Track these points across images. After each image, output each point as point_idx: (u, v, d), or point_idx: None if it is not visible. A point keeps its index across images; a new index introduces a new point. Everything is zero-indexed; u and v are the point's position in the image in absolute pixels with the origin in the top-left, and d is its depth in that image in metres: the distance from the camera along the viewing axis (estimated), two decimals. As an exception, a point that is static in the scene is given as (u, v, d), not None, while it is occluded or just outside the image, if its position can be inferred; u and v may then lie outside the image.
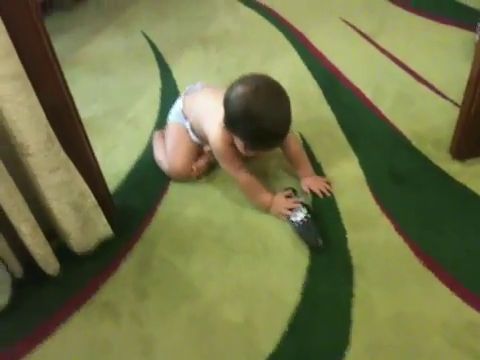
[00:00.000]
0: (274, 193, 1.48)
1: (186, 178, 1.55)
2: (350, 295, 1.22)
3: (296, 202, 1.43)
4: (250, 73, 1.38)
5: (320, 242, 1.34)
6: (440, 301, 1.20)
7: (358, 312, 1.19)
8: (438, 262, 1.28)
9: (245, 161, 1.48)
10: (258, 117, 1.28)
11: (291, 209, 1.41)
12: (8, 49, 0.94)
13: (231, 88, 1.34)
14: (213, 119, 1.41)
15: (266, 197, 1.46)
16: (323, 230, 1.37)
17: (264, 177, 1.54)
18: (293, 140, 1.51)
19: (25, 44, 1.00)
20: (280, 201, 1.45)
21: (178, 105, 1.61)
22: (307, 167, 1.53)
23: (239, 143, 1.38)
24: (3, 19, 0.92)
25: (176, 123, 1.60)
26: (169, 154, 1.56)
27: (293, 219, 1.40)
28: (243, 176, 1.46)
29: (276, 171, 1.58)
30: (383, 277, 1.26)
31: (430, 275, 1.25)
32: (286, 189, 1.49)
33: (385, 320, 1.17)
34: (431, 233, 1.35)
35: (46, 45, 1.06)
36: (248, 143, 1.36)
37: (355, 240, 1.35)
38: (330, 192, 1.48)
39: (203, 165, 1.57)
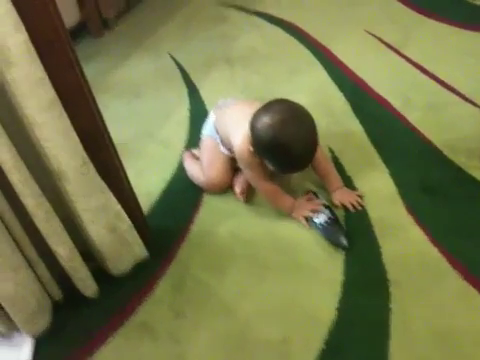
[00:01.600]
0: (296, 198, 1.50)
1: (223, 190, 1.58)
2: (387, 310, 1.21)
3: (317, 204, 1.45)
4: (274, 99, 1.41)
5: (345, 241, 1.36)
6: (481, 315, 1.17)
7: (396, 327, 1.17)
8: (477, 273, 1.25)
9: (271, 175, 1.50)
10: (286, 147, 1.32)
11: (313, 211, 1.43)
12: (41, 78, 0.97)
13: (257, 116, 1.37)
14: (240, 131, 1.44)
15: (288, 201, 1.49)
16: (356, 244, 1.37)
17: (290, 189, 1.55)
18: (320, 154, 1.51)
19: (58, 73, 1.03)
20: (301, 204, 1.47)
21: (210, 119, 1.65)
22: (336, 180, 1.53)
23: (268, 165, 1.40)
24: (36, 49, 0.96)
25: (209, 137, 1.63)
26: (205, 168, 1.59)
27: (316, 221, 1.42)
28: (265, 184, 1.49)
29: (302, 182, 1.58)
30: (420, 291, 1.24)
31: (469, 288, 1.23)
32: (306, 192, 1.50)
33: (425, 335, 1.15)
34: (467, 244, 1.33)
35: (78, 73, 1.10)
36: (277, 169, 1.40)
37: (389, 253, 1.33)
38: (361, 205, 1.47)
39: (245, 187, 1.56)
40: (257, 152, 1.39)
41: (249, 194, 1.57)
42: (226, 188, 1.59)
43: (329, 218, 1.41)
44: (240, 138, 1.43)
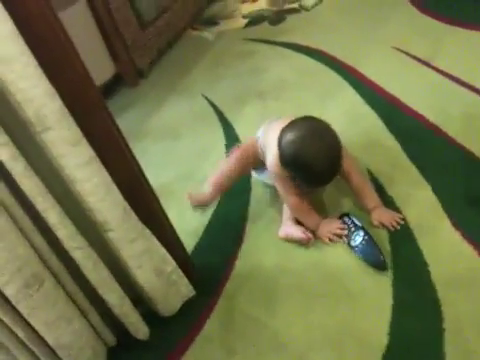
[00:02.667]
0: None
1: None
2: (441, 330, 1.18)
3: (343, 226, 1.46)
4: (300, 117, 1.47)
5: (382, 261, 1.35)
6: None
7: (452, 348, 1.14)
8: None
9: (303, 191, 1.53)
10: (307, 162, 1.39)
11: (345, 235, 1.45)
12: (77, 138, 1.03)
13: (282, 133, 1.46)
14: (273, 147, 1.50)
15: (314, 219, 1.52)
16: (403, 265, 1.34)
17: (323, 207, 1.58)
18: (355, 172, 1.52)
19: (93, 129, 1.09)
20: (327, 223, 1.49)
21: (264, 127, 1.72)
22: (373, 198, 1.51)
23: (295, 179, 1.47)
24: (69, 110, 1.02)
25: (256, 138, 1.70)
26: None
27: (353, 244, 1.42)
28: (293, 199, 1.52)
29: (337, 201, 1.59)
30: (474, 308, 1.20)
31: (525, 301, 1.18)
32: (340, 216, 1.51)
33: (483, 355, 1.11)
34: (520, 255, 1.28)
35: (112, 126, 1.16)
36: (302, 183, 1.46)
37: (438, 272, 1.30)
38: (401, 224, 1.45)
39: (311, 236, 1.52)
40: (284, 167, 1.45)
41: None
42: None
43: (364, 239, 1.41)
44: (273, 153, 1.50)
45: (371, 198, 1.51)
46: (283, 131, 1.46)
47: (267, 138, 1.61)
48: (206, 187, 1.66)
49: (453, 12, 2.28)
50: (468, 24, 2.17)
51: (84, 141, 1.06)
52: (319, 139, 1.40)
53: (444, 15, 2.29)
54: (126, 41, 2.45)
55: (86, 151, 1.06)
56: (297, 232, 1.50)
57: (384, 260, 1.36)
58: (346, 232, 1.46)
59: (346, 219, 1.50)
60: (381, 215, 1.47)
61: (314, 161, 1.38)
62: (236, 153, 1.69)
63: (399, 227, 1.44)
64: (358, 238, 1.42)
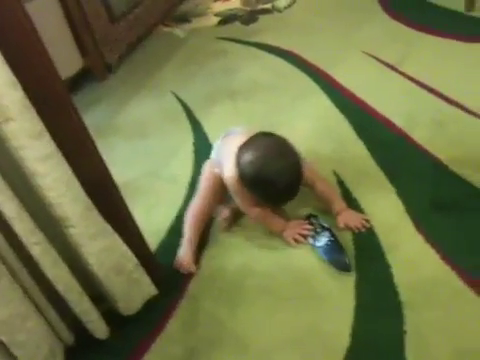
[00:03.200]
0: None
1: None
2: (402, 333, 1.18)
3: (308, 227, 1.47)
4: (257, 134, 1.48)
5: (347, 263, 1.36)
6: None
7: (412, 350, 1.15)
8: (492, 290, 1.22)
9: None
10: (269, 184, 1.40)
11: (312, 236, 1.45)
12: (39, 130, 1.00)
13: (240, 152, 1.45)
14: (230, 161, 1.49)
15: (279, 223, 1.51)
16: (367, 267, 1.35)
17: (285, 215, 1.56)
18: (319, 180, 1.54)
19: (56, 124, 1.06)
20: (293, 225, 1.49)
21: (216, 145, 1.70)
22: (338, 202, 1.52)
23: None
24: (32, 102, 0.99)
25: (210, 162, 1.68)
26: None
27: (318, 245, 1.43)
28: (254, 210, 1.52)
29: (298, 208, 1.58)
30: (435, 311, 1.22)
31: (485, 304, 1.20)
32: (306, 217, 1.51)
33: (443, 357, 1.12)
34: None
35: (76, 121, 1.13)
36: (263, 202, 1.46)
37: (401, 275, 1.31)
38: (367, 227, 1.46)
39: (229, 215, 1.59)
40: (244, 186, 1.45)
41: (233, 222, 1.59)
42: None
43: (329, 240, 1.41)
44: (229, 168, 1.49)
45: (337, 202, 1.52)
46: (241, 150, 1.45)
47: (222, 153, 1.59)
48: (182, 241, 1.56)
49: (423, 19, 2.32)
50: (437, 31, 2.21)
51: (46, 134, 1.03)
52: (279, 158, 1.41)
53: (414, 22, 2.32)
54: (95, 35, 2.40)
55: (47, 145, 1.03)
56: (223, 216, 1.57)
57: (348, 262, 1.36)
58: (312, 233, 1.46)
59: (312, 220, 1.50)
60: (347, 217, 1.48)
61: (275, 181, 1.39)
62: (200, 191, 1.63)
63: (364, 229, 1.45)
64: (323, 239, 1.43)
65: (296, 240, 1.47)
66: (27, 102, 0.98)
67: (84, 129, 1.15)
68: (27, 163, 1.02)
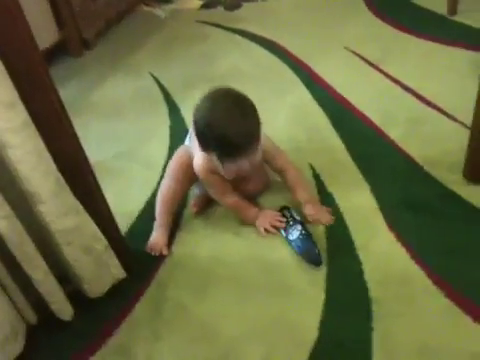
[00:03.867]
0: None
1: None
2: (370, 329, 1.19)
3: (280, 218, 1.46)
4: (213, 87, 1.40)
5: (317, 258, 1.36)
6: (466, 332, 1.16)
7: (379, 346, 1.16)
8: (460, 291, 1.24)
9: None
10: (215, 126, 1.31)
11: (284, 228, 1.45)
12: (14, 100, 0.96)
13: (195, 109, 1.38)
14: (199, 150, 1.43)
15: (252, 212, 1.50)
16: (338, 262, 1.36)
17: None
18: (290, 168, 1.52)
19: (31, 95, 1.02)
20: (266, 214, 1.49)
21: (191, 130, 1.62)
22: (307, 192, 1.51)
23: (216, 163, 1.39)
24: (8, 71, 0.95)
25: (183, 147, 1.62)
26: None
27: (290, 238, 1.42)
28: (227, 199, 1.50)
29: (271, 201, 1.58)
30: (403, 309, 1.23)
31: (452, 305, 1.22)
32: (280, 208, 1.51)
33: (407, 355, 1.14)
34: (450, 260, 1.32)
35: (53, 96, 1.08)
36: (218, 157, 1.37)
37: (371, 271, 1.32)
38: (338, 222, 1.46)
39: (200, 201, 1.58)
40: (199, 144, 1.38)
41: (203, 208, 1.58)
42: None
43: (301, 234, 1.41)
44: (199, 156, 1.45)
45: (305, 192, 1.51)
46: (196, 106, 1.39)
47: (193, 139, 1.50)
48: (155, 225, 1.53)
49: (406, 19, 2.33)
50: (419, 32, 2.22)
51: (20, 105, 0.99)
52: (231, 101, 1.35)
53: (397, 21, 2.33)
54: (74, 8, 2.33)
55: (21, 115, 0.99)
56: (192, 200, 1.57)
57: (319, 256, 1.36)
58: (284, 225, 1.46)
59: (285, 212, 1.50)
60: (312, 210, 1.47)
61: (227, 125, 1.31)
62: (169, 171, 1.57)
63: (332, 222, 1.46)
64: (295, 232, 1.42)
65: (267, 230, 1.47)
66: (2, 69, 0.93)
67: (60, 103, 1.11)
68: (-2, 133, 0.97)
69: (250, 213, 1.50)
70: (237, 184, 1.52)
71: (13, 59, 0.97)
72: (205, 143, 1.37)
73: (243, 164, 1.38)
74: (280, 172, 1.54)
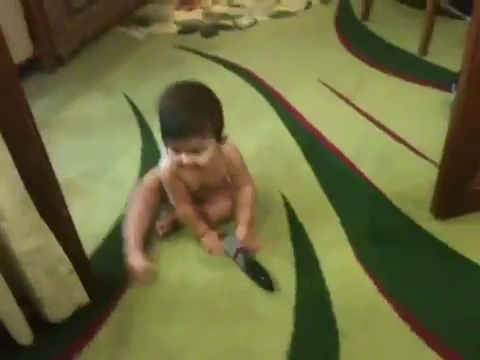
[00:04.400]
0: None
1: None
2: (336, 362, 1.18)
3: (224, 249, 1.47)
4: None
5: (268, 281, 1.38)
6: (430, 366, 1.16)
7: (345, 380, 1.15)
8: (425, 325, 1.25)
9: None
10: (161, 107, 1.38)
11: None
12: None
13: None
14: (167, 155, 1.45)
15: (201, 228, 1.52)
16: (306, 292, 1.35)
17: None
18: (249, 184, 1.54)
19: (2, 108, 0.99)
20: (210, 240, 1.51)
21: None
22: (247, 215, 1.51)
23: (170, 154, 1.40)
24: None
25: (153, 170, 1.63)
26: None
27: (240, 265, 1.43)
28: (183, 207, 1.52)
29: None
30: (370, 343, 1.23)
31: (417, 339, 1.22)
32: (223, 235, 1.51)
33: (373, 388, 1.13)
34: (416, 295, 1.33)
35: (23, 110, 1.05)
36: (166, 140, 1.39)
37: (339, 303, 1.32)
38: (308, 253, 1.47)
39: (166, 223, 1.56)
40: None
41: (170, 232, 1.56)
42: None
43: (246, 261, 1.42)
44: (165, 160, 1.47)
45: (248, 214, 1.52)
46: None
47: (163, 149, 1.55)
48: (127, 250, 1.47)
49: (378, 56, 2.39)
50: (391, 69, 2.29)
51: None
52: (184, 91, 1.39)
53: (369, 57, 2.39)
54: (49, 24, 2.29)
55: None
56: (158, 221, 1.57)
57: (269, 281, 1.37)
58: (223, 254, 1.48)
59: (227, 239, 1.50)
60: (246, 234, 1.48)
61: (168, 106, 1.36)
62: (139, 192, 1.59)
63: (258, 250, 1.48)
64: (241, 261, 1.43)
65: (210, 252, 1.48)
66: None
67: (31, 118, 1.08)
68: (-37, 147, 0.94)
69: (198, 228, 1.52)
70: (201, 203, 1.55)
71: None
72: (159, 121, 1.40)
73: (183, 156, 1.37)
74: (238, 187, 1.54)
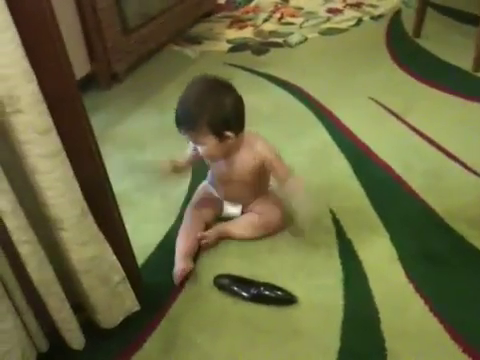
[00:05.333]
0: None
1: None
2: (385, 382, 1.16)
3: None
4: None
5: (288, 294, 1.39)
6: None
7: (393, 400, 1.12)
8: (477, 348, 1.21)
9: None
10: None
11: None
12: (48, 127, 0.98)
13: None
14: None
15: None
16: (354, 309, 1.34)
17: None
18: (284, 169, 1.51)
19: (64, 121, 1.04)
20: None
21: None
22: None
23: None
24: (46, 99, 0.97)
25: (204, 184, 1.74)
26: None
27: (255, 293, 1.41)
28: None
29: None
30: (419, 362, 1.20)
31: (468, 360, 1.19)
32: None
33: None
34: (468, 316, 1.29)
35: (85, 123, 1.11)
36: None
37: (388, 321, 1.30)
38: (356, 269, 1.46)
39: (211, 236, 1.57)
40: None
41: (213, 244, 1.58)
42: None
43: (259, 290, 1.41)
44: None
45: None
46: None
47: None
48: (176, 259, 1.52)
49: (429, 73, 2.36)
50: (443, 86, 2.25)
51: (53, 131, 1.00)
52: (197, 82, 1.44)
53: (421, 74, 2.36)
54: (106, 43, 2.40)
55: (53, 142, 1.01)
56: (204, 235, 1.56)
57: (289, 294, 1.38)
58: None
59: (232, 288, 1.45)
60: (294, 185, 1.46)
61: (182, 96, 1.44)
62: (189, 207, 1.67)
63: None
64: (253, 290, 1.41)
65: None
66: (40, 96, 0.95)
67: (91, 131, 1.14)
68: (29, 159, 0.99)
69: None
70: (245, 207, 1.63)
71: (49, 85, 0.99)
72: None
73: (190, 143, 1.55)
74: (280, 181, 1.52)
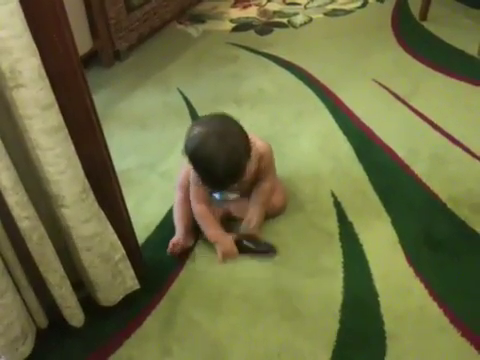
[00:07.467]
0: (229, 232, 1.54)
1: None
2: (383, 363, 1.17)
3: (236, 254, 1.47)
4: (209, 114, 1.44)
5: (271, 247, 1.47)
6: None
7: (391, 383, 1.13)
8: (475, 331, 1.21)
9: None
10: (204, 160, 1.34)
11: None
12: (51, 102, 0.96)
13: (190, 126, 1.42)
14: None
15: (213, 229, 1.50)
16: (354, 292, 1.34)
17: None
18: (268, 180, 1.53)
19: (66, 97, 1.03)
20: (225, 244, 1.48)
21: None
22: (258, 210, 1.52)
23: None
24: (48, 75, 0.96)
25: None
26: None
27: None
28: (198, 207, 1.52)
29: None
30: (418, 345, 1.21)
31: (467, 345, 1.19)
32: (238, 236, 1.50)
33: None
34: (468, 301, 1.30)
35: (88, 102, 1.10)
36: (203, 184, 1.44)
37: (388, 304, 1.30)
38: (356, 252, 1.46)
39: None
40: (188, 161, 1.40)
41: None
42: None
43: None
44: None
45: (259, 210, 1.53)
46: (192, 125, 1.43)
47: None
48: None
49: (435, 57, 2.33)
50: (448, 70, 2.23)
51: (55, 107, 0.99)
52: (220, 138, 1.33)
53: (426, 58, 2.33)
54: (109, 20, 2.37)
55: (55, 118, 0.99)
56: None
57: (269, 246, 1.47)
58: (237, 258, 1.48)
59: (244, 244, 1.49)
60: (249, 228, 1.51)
61: (210, 160, 1.33)
62: (178, 182, 1.63)
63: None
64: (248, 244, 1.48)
65: (224, 256, 1.47)
66: (42, 71, 0.94)
67: (93, 109, 1.12)
68: (31, 134, 0.98)
69: (210, 231, 1.50)
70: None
71: (52, 60, 0.97)
72: (190, 162, 1.40)
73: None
74: (258, 180, 1.54)
